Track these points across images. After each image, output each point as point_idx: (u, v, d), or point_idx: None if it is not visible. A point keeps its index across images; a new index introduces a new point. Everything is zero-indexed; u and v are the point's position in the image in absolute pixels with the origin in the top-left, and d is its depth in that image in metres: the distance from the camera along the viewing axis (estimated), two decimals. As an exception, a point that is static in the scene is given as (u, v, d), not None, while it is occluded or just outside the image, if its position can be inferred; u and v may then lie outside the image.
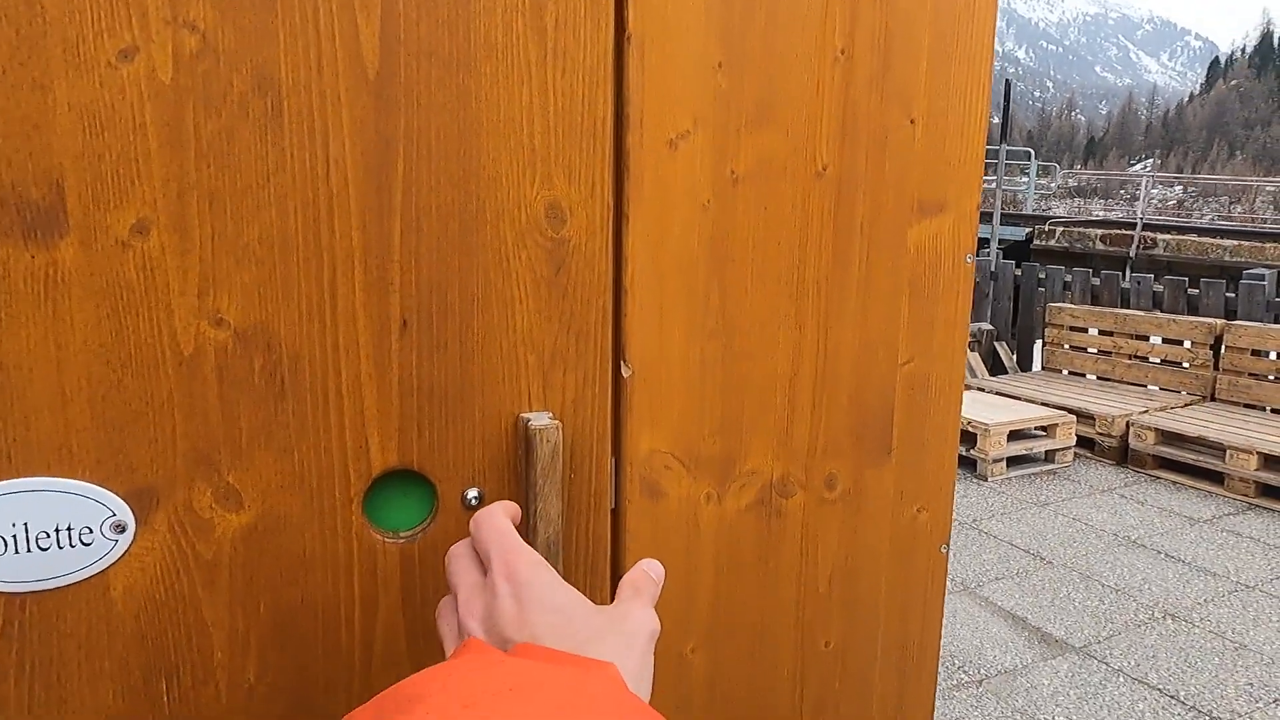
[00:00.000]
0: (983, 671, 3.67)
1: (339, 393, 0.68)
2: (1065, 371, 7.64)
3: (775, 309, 0.88)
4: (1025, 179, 17.83)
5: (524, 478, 0.73)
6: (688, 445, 0.87)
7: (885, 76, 0.88)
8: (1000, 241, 9.92)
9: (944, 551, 1.03)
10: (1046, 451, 6.23)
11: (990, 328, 8.51)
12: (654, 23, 0.77)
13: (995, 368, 8.41)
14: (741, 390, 0.88)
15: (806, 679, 0.99)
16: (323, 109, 0.64)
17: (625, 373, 0.83)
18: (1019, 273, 8.47)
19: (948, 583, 4.26)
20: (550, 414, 0.75)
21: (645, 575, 0.62)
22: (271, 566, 0.68)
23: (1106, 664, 3.74)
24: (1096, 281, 7.82)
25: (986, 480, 5.93)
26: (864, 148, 0.88)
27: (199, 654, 0.66)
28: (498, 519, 0.61)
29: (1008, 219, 15.62)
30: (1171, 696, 3.50)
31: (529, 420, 0.73)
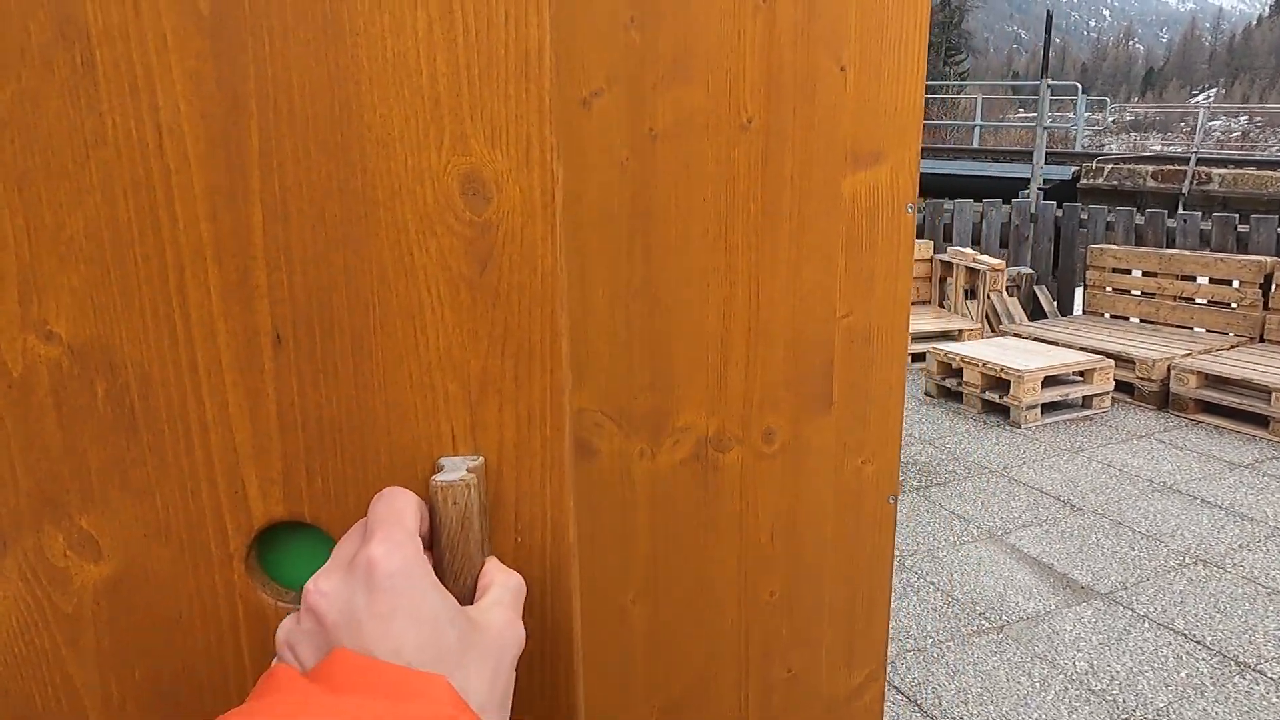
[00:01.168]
0: (1004, 618, 3.67)
1: (203, 426, 0.56)
2: (1107, 315, 7.43)
3: (703, 265, 0.88)
4: (1074, 115, 17.13)
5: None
6: (617, 403, 0.88)
7: (811, 23, 0.86)
8: (1044, 182, 9.59)
9: (891, 503, 1.03)
10: (1084, 397, 6.10)
11: (1030, 271, 8.29)
12: (560, -21, 0.76)
13: (1035, 313, 8.21)
14: (670, 347, 0.89)
15: (751, 630, 1.01)
16: (145, 59, 0.51)
17: (549, 333, 0.84)
18: (1060, 213, 8.21)
19: (972, 529, 4.27)
20: (475, 459, 0.58)
21: (507, 580, 0.55)
22: (143, 627, 0.59)
23: (1132, 610, 3.71)
24: (1140, 220, 7.54)
25: (1020, 427, 5.84)
26: (790, 99, 0.87)
27: (71, 719, 0.59)
28: (398, 500, 0.53)
29: (1055, 157, 15.06)
30: (1198, 642, 3.47)
31: (437, 472, 0.56)
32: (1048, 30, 8.39)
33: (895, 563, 4.52)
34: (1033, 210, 8.26)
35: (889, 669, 3.32)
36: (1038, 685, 3.22)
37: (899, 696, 3.18)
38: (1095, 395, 6.08)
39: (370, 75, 0.53)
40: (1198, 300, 6.85)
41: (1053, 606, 3.78)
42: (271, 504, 0.58)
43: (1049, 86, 8.54)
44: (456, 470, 0.56)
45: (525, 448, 0.60)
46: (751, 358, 0.92)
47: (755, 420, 0.94)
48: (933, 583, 3.99)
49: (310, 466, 0.57)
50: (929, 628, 3.66)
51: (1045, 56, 8.25)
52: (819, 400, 0.96)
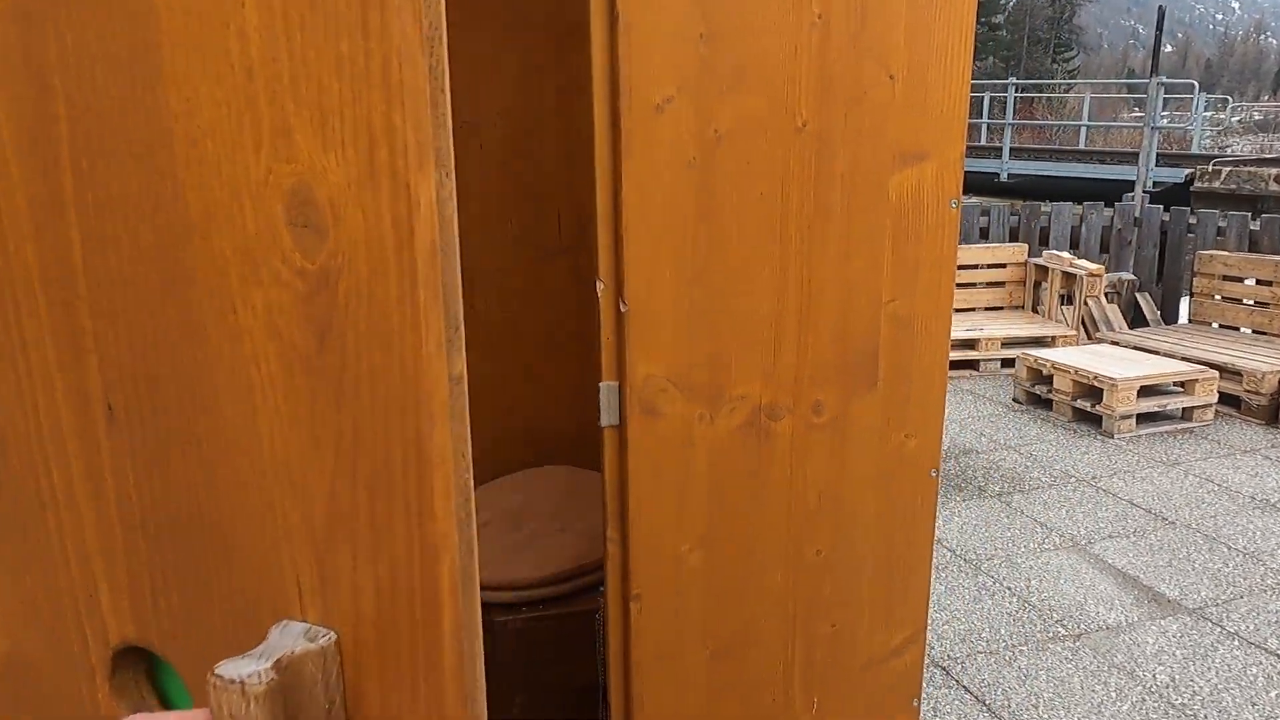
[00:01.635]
0: (1083, 626, 3.61)
1: (54, 498, 0.45)
2: (1215, 324, 7.09)
3: (758, 254, 0.99)
4: (1191, 115, 16.23)
5: None
6: (680, 372, 1.01)
7: (862, 36, 0.96)
8: (1153, 184, 9.18)
9: (933, 476, 1.12)
10: (1183, 409, 5.86)
11: (1132, 277, 7.97)
12: (640, 4, 0.89)
13: (1136, 320, 7.89)
14: (727, 326, 1.00)
15: (797, 585, 1.11)
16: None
17: (623, 308, 0.97)
18: (1166, 217, 7.86)
19: (1054, 537, 4.19)
20: (325, 635, 0.40)
21: None
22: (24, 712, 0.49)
23: (1221, 627, 3.59)
24: (1255, 226, 7.16)
25: (1112, 437, 5.65)
26: (842, 104, 0.97)
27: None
28: None
29: (1169, 159, 14.31)
30: (1291, 663, 3.33)
31: (244, 654, 0.38)
32: (1159, 25, 8.03)
33: (971, 566, 4.47)
34: (1137, 214, 7.94)
35: (957, 668, 3.32)
36: (1113, 695, 3.17)
37: (967, 696, 3.19)
38: (1196, 407, 5.83)
39: (170, 39, 0.37)
40: (1317, 311, 6.46)
41: (1135, 618, 3.69)
42: (123, 620, 0.45)
43: (1161, 84, 8.19)
44: (264, 657, 0.36)
45: (390, 629, 0.39)
46: (802, 337, 1.03)
47: (805, 394, 1.05)
48: (1009, 588, 3.95)
49: (155, 582, 0.45)
50: (1002, 632, 3.63)
51: (1156, 52, 7.90)
52: (865, 378, 1.06)
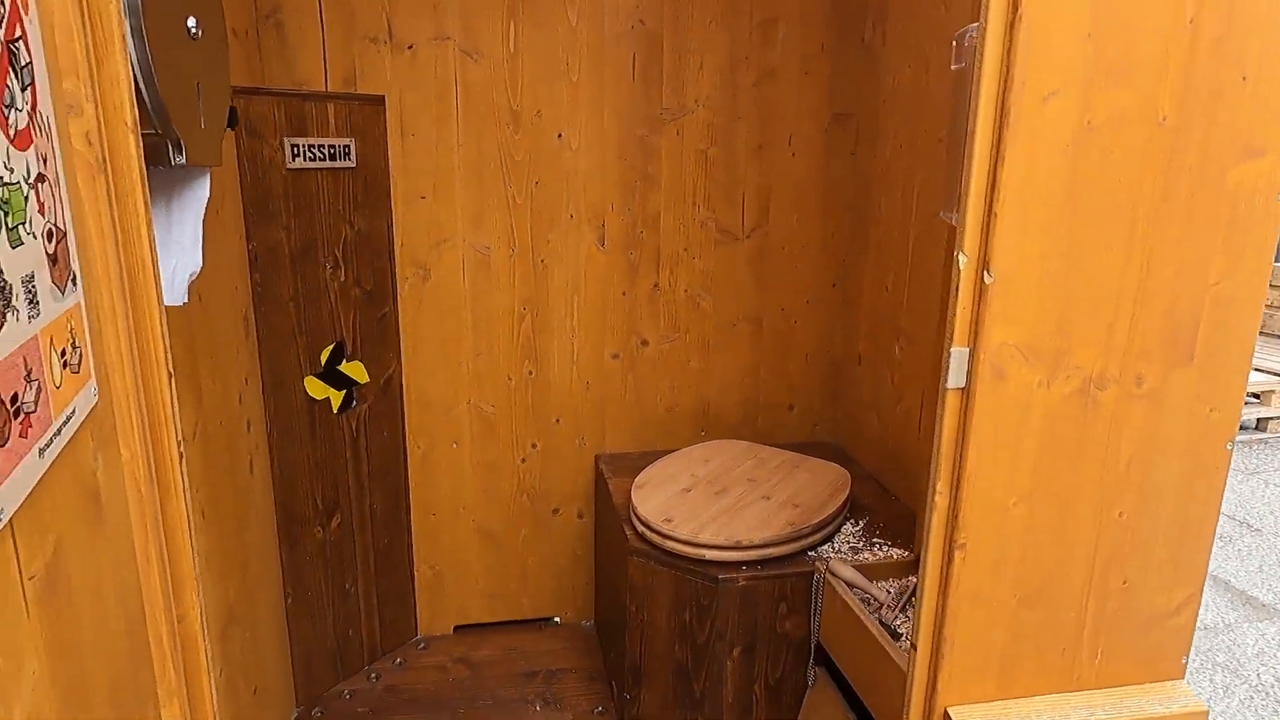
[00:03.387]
0: (1180, 625, 3.68)
1: None
2: (1285, 338, 7.08)
3: (1110, 235, 1.09)
4: None
5: None
6: (1029, 341, 1.11)
7: (1225, 40, 1.05)
8: None
9: (1229, 449, 1.21)
10: (1257, 420, 5.89)
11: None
12: (1041, 2, 0.99)
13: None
14: (1074, 300, 1.10)
15: (1101, 542, 1.21)
16: None
17: (988, 280, 1.07)
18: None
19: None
20: None
21: None
22: None
23: (1319, 632, 3.64)
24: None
25: (1187, 445, 5.70)
26: (1201, 101, 1.06)
27: None
28: None
29: None
30: (1394, 670, 3.39)
31: None
32: None
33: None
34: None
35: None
36: (1220, 691, 3.24)
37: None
38: (1272, 419, 5.86)
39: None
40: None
41: (1232, 620, 3.76)
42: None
43: None
44: None
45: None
46: (1136, 313, 1.13)
47: (1131, 366, 1.15)
48: (1104, 585, 4.00)
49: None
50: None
51: None
52: (1183, 354, 1.16)
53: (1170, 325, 1.14)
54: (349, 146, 1.99)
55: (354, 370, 2.12)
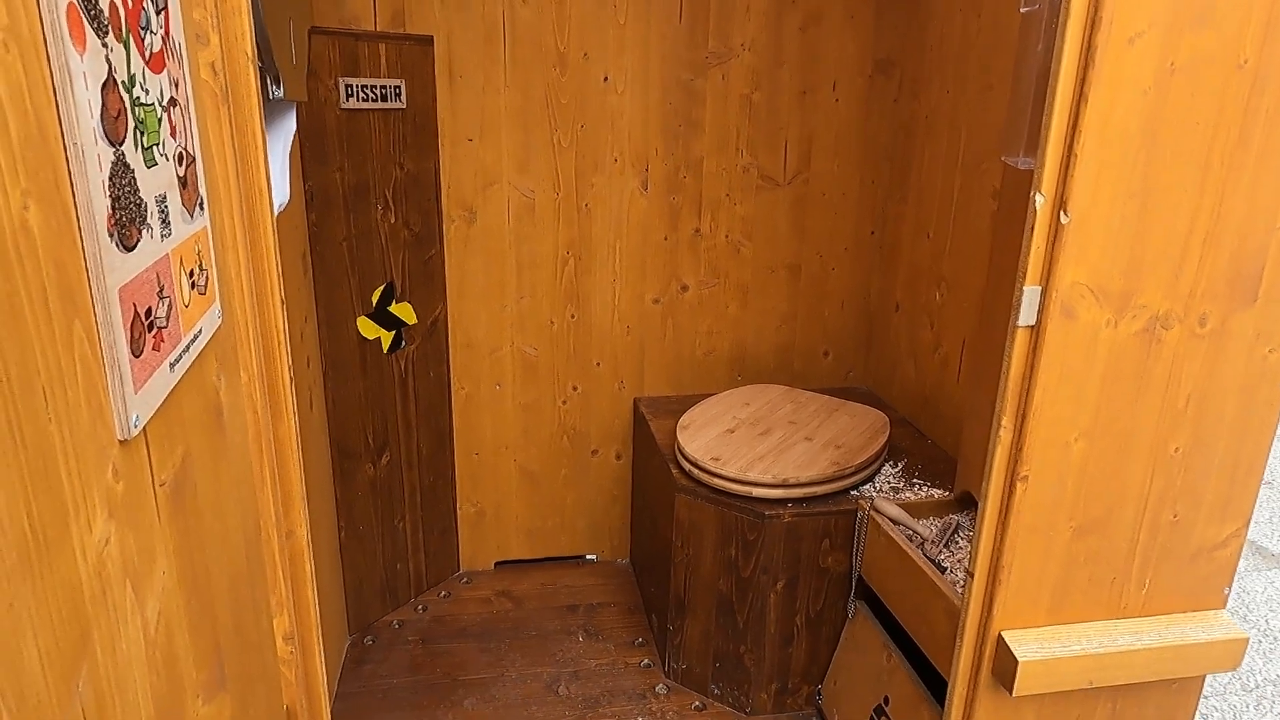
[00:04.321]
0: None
1: None
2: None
3: (1184, 178, 1.11)
4: None
5: None
6: (1099, 281, 1.14)
7: (1309, -16, 1.06)
8: None
9: (1283, 388, 1.25)
10: None
11: None
12: (1133, -56, 1.00)
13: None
14: (1145, 241, 1.13)
15: (1155, 477, 1.26)
16: None
17: (1064, 220, 1.10)
18: None
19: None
20: None
21: None
22: None
23: (1326, 581, 3.73)
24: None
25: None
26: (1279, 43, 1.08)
27: None
28: None
29: None
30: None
31: None
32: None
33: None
34: None
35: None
36: None
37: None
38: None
39: None
40: None
41: (1242, 569, 3.84)
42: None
43: None
44: None
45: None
46: (1204, 255, 1.16)
47: (1195, 306, 1.18)
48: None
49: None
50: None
51: None
52: (1246, 295, 1.19)
53: (1236, 267, 1.17)
54: (399, 87, 2.00)
55: (403, 311, 2.16)
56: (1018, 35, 1.50)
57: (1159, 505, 1.28)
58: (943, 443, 2.15)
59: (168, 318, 0.78)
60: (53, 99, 0.54)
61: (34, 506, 0.50)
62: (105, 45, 0.63)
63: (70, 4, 0.57)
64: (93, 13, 0.61)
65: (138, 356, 0.68)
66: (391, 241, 2.08)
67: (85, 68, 0.59)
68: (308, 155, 1.87)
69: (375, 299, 2.08)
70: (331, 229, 1.95)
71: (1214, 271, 1.17)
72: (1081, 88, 1.06)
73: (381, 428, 2.17)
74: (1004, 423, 1.21)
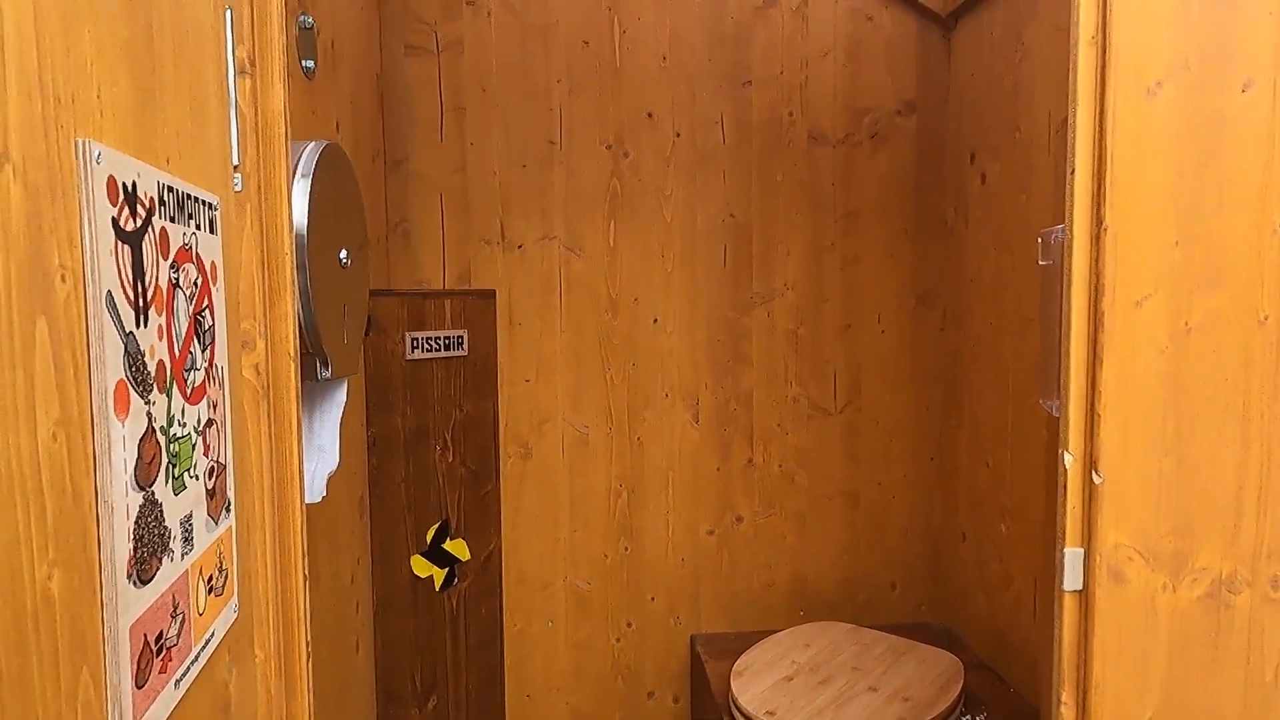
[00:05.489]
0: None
1: None
2: None
3: (1222, 432, 1.07)
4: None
5: None
6: (1146, 542, 1.08)
7: (1318, 243, 1.07)
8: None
9: (1390, 658, 1.11)
10: None
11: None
12: (1125, 215, 1.04)
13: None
14: (1191, 499, 1.07)
15: (1254, 762, 1.11)
16: None
17: (1097, 480, 1.06)
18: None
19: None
20: None
21: None
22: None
23: None
24: None
25: None
26: (1301, 301, 1.07)
27: None
28: None
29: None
30: None
31: None
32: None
33: None
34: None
35: None
36: None
37: None
38: None
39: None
40: None
41: None
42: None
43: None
44: None
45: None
46: (1262, 511, 1.09)
47: (1263, 568, 1.09)
48: None
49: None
50: None
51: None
52: (1320, 554, 1.10)
53: (1301, 524, 1.09)
54: (462, 337, 2.16)
55: (457, 548, 2.19)
56: (1039, 285, 1.54)
57: (1266, 798, 1.11)
58: (1024, 689, 1.96)
59: (179, 635, 0.76)
60: (91, 470, 0.58)
61: None
62: (148, 402, 0.66)
63: (120, 381, 0.61)
64: (139, 378, 0.64)
65: (141, 688, 0.67)
66: (448, 480, 2.15)
67: (126, 431, 0.62)
68: (372, 404, 2.00)
69: (430, 536, 2.12)
70: (391, 472, 2.03)
71: (1276, 527, 1.09)
72: (1095, 349, 1.06)
73: (430, 669, 2.13)
74: (1064, 698, 1.10)
